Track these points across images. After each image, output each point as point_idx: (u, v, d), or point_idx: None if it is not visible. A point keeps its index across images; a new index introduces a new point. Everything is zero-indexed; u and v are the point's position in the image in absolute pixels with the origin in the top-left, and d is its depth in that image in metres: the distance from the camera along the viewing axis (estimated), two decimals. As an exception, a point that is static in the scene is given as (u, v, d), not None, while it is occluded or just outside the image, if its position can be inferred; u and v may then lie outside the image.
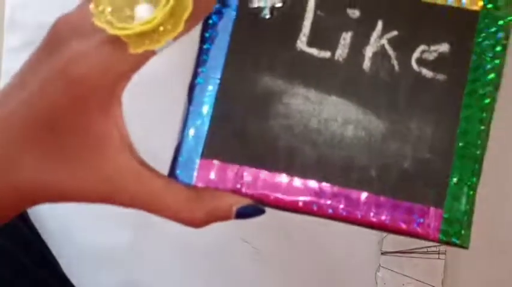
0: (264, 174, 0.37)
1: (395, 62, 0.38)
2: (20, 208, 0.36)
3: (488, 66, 0.37)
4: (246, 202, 0.36)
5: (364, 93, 0.38)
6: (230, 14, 0.38)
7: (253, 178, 0.37)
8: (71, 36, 0.33)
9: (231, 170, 0.37)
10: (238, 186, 0.37)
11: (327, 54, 0.38)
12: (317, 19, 0.38)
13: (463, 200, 0.37)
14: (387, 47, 0.38)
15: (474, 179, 0.37)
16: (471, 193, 0.37)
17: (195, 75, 0.38)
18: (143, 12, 0.31)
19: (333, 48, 0.38)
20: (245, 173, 0.37)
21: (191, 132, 0.38)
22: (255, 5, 0.38)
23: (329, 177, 0.37)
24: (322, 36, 0.38)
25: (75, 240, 0.57)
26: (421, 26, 0.38)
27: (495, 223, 0.51)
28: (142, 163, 0.35)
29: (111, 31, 0.30)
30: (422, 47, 0.37)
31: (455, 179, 0.37)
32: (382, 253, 0.51)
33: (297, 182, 0.37)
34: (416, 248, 0.51)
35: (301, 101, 0.38)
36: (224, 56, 0.38)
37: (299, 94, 0.38)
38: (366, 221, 0.37)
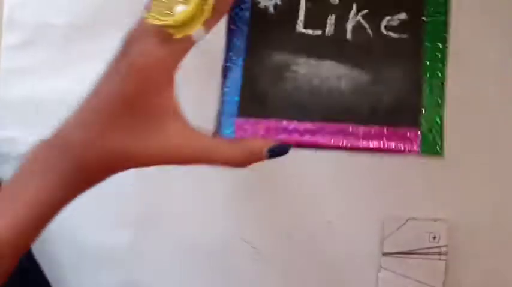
0: (284, 123, 0.51)
1: (369, 31, 0.52)
2: (110, 173, 0.46)
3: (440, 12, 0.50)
4: (273, 143, 0.46)
5: (349, 55, 0.51)
6: (245, 14, 0.52)
7: (277, 127, 0.51)
8: (136, 39, 0.46)
9: (260, 123, 0.51)
10: (266, 134, 0.50)
11: (319, 32, 0.52)
12: (308, 8, 0.52)
13: (436, 118, 0.49)
14: (362, 21, 0.52)
15: (440, 101, 0.50)
16: (439, 110, 0.50)
17: (226, 59, 0.52)
18: (180, 10, 0.44)
19: (323, 27, 0.52)
20: (271, 124, 0.51)
21: (227, 99, 0.52)
22: (262, 4, 0.53)
23: (331, 118, 0.50)
24: (313, 20, 0.52)
25: (75, 240, 0.56)
26: (384, 3, 0.52)
27: (497, 224, 0.51)
28: (192, 127, 0.46)
29: (158, 23, 0.43)
30: (387, 18, 0.51)
31: (425, 105, 0.50)
32: (383, 254, 0.51)
33: (308, 125, 0.51)
34: (417, 249, 0.51)
35: (305, 67, 0.52)
36: (245, 42, 0.52)
37: (302, 63, 0.52)
38: (361, 147, 0.50)
